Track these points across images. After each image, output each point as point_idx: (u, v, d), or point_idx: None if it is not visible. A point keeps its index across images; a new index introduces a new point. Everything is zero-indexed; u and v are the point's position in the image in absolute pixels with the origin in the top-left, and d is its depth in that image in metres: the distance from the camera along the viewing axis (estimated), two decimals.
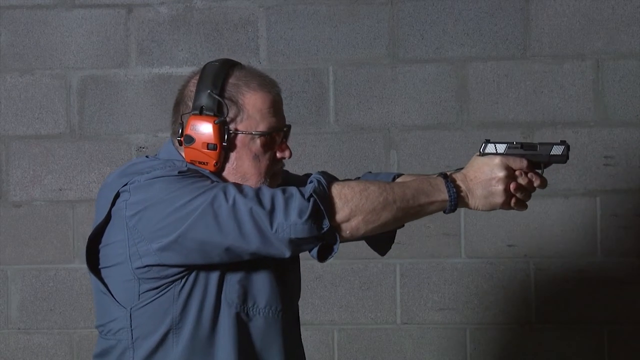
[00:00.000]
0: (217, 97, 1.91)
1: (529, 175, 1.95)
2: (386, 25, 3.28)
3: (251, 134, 1.92)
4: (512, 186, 1.93)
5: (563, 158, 1.97)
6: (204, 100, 1.91)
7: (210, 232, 1.81)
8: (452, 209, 1.91)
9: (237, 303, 1.92)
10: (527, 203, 1.97)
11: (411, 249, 3.27)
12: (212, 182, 1.87)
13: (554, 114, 3.25)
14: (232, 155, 1.94)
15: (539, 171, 1.96)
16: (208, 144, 1.91)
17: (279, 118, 1.97)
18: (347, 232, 1.85)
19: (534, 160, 1.95)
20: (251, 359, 1.94)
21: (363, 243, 2.16)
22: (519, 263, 3.26)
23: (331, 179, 1.91)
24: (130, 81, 3.33)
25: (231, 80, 1.94)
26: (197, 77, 1.95)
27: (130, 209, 1.86)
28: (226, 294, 1.91)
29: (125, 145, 3.33)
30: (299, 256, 2.01)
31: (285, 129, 1.99)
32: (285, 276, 2.00)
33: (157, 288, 1.89)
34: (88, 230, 1.97)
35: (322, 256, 1.91)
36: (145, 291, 1.89)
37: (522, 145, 1.94)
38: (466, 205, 1.94)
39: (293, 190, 1.82)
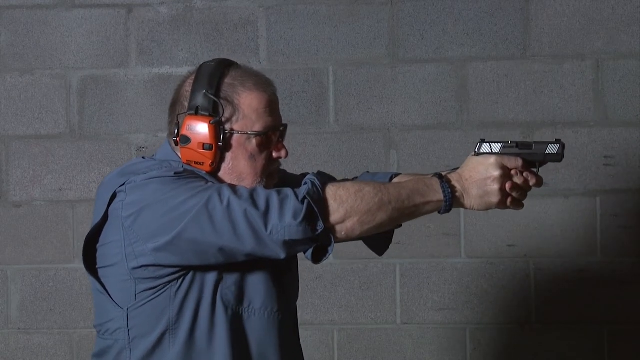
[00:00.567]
0: (212, 97, 1.91)
1: (525, 174, 1.94)
2: (386, 25, 3.28)
3: (247, 133, 1.92)
4: (507, 185, 1.92)
5: (558, 157, 1.96)
6: (200, 100, 1.91)
7: (205, 233, 1.80)
8: (447, 209, 1.91)
9: (233, 304, 1.92)
10: (524, 202, 1.97)
11: (411, 249, 3.27)
12: (208, 183, 1.86)
13: (554, 114, 3.25)
14: (228, 155, 1.94)
15: (535, 170, 1.96)
16: (204, 144, 1.91)
17: (275, 117, 1.96)
18: (343, 233, 1.84)
19: (529, 159, 1.95)
20: (247, 359, 1.94)
21: (363, 243, 2.16)
22: (519, 263, 3.26)
23: (327, 180, 1.91)
24: (130, 81, 3.33)
25: (227, 80, 1.94)
26: (193, 77, 1.95)
27: (127, 210, 1.86)
28: (222, 294, 1.90)
29: (125, 145, 3.33)
30: (297, 257, 2.01)
31: (281, 129, 1.99)
32: (282, 277, 2.00)
33: (153, 288, 1.89)
34: (88, 231, 1.97)
35: (317, 258, 1.89)
36: (142, 291, 1.89)
37: (518, 145, 1.94)
38: (462, 205, 1.93)
39: (288, 191, 1.81)
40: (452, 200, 1.90)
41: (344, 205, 1.83)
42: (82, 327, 3.33)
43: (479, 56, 3.26)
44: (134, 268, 1.87)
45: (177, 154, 1.97)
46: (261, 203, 1.79)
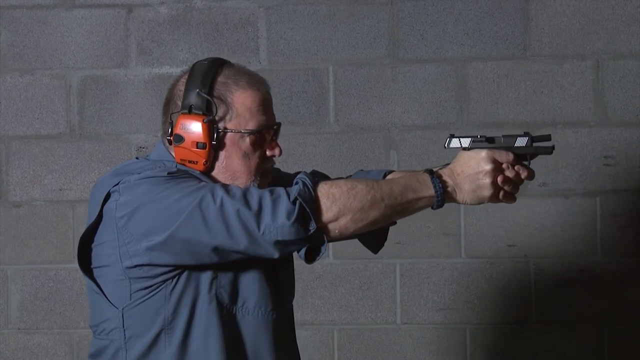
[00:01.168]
0: (206, 95, 1.91)
1: (516, 167, 1.94)
2: (386, 25, 3.28)
3: (240, 132, 1.92)
4: (499, 179, 1.92)
5: (549, 149, 1.96)
6: (193, 99, 1.92)
7: (199, 232, 1.81)
8: (440, 205, 1.91)
9: (228, 303, 1.92)
10: (516, 196, 1.97)
11: (411, 249, 3.27)
12: (201, 182, 1.86)
13: (554, 114, 3.25)
14: (222, 153, 1.94)
15: (526, 163, 1.96)
16: (197, 142, 1.91)
17: (268, 116, 1.97)
18: (336, 231, 1.84)
19: (519, 153, 1.94)
20: (242, 359, 1.94)
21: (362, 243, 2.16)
22: (519, 263, 3.26)
23: (320, 178, 1.91)
24: (130, 81, 3.33)
25: (220, 79, 1.94)
26: (186, 76, 1.96)
27: (120, 210, 1.86)
28: (217, 294, 1.90)
29: (125, 145, 3.33)
30: (292, 256, 2.01)
31: (275, 127, 1.99)
32: (277, 276, 2.00)
33: (148, 287, 1.89)
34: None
35: (310, 257, 1.88)
36: (137, 290, 1.89)
37: (487, 139, 1.94)
38: (454, 200, 1.94)
39: (281, 191, 1.81)
40: (443, 195, 1.90)
41: (337, 203, 1.83)
42: (82, 327, 3.33)
43: (479, 56, 3.26)
44: (129, 267, 1.88)
45: (171, 154, 1.97)
46: (254, 203, 1.79)
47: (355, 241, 2.10)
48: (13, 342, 3.35)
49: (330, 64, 3.30)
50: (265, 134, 1.96)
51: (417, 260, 3.29)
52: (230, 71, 1.96)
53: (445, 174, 1.93)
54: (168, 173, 1.87)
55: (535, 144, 1.96)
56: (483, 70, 3.27)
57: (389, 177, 2.09)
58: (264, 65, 3.25)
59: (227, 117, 1.93)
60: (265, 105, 1.96)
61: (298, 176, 1.85)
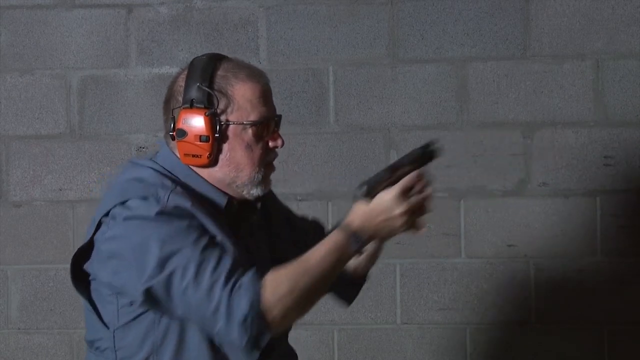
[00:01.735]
0: (206, 89, 1.91)
1: (421, 192, 1.92)
2: (386, 25, 3.28)
3: (242, 124, 1.93)
4: (410, 211, 1.90)
5: (435, 153, 1.95)
6: (194, 93, 1.92)
7: (165, 301, 1.84)
8: (360, 253, 1.92)
9: None
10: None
11: (411, 249, 3.27)
12: (189, 225, 1.85)
13: (554, 114, 3.25)
14: (225, 146, 1.94)
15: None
16: (200, 136, 1.92)
17: (269, 107, 1.97)
18: (281, 328, 1.85)
19: (415, 165, 1.92)
20: None
21: None
22: (519, 263, 3.26)
23: (263, 282, 1.83)
24: (130, 81, 3.33)
25: (219, 72, 1.94)
26: (186, 72, 1.96)
27: (105, 244, 1.90)
28: None
29: (125, 145, 3.33)
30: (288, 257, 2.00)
31: (276, 119, 1.99)
32: None
33: (134, 303, 1.90)
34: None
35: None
36: (124, 306, 1.91)
37: (392, 168, 1.90)
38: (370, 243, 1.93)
39: (239, 303, 1.78)
40: (362, 245, 1.89)
41: (283, 311, 1.81)
42: (82, 327, 3.30)
43: (479, 56, 3.26)
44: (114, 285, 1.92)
45: (175, 154, 1.97)
46: (211, 306, 1.79)
47: None
48: (13, 342, 3.35)
49: (330, 64, 3.30)
50: (267, 125, 1.97)
51: (417, 260, 3.29)
52: (229, 65, 1.97)
53: (355, 224, 1.88)
54: (156, 213, 1.85)
55: (423, 150, 1.94)
56: (483, 70, 3.27)
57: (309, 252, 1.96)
58: (264, 65, 3.24)
59: (229, 110, 1.93)
60: (266, 96, 1.97)
61: (243, 288, 1.79)
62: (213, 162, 1.95)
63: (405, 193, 1.88)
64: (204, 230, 1.87)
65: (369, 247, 2.04)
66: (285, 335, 2.11)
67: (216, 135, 1.92)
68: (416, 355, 3.29)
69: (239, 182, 1.97)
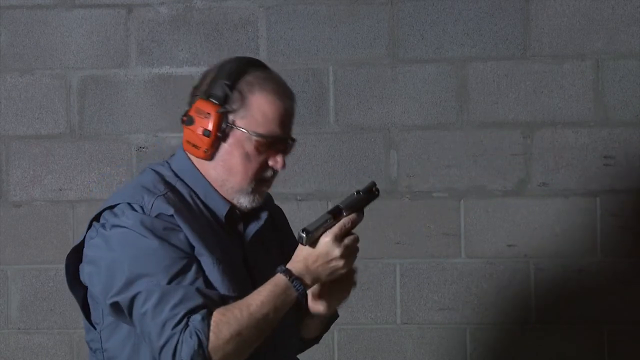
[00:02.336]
0: (227, 87, 1.92)
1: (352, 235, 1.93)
2: (386, 25, 3.28)
3: (248, 132, 1.93)
4: (347, 253, 1.91)
5: (375, 196, 1.97)
6: (215, 87, 1.93)
7: (128, 316, 1.89)
8: (304, 296, 1.91)
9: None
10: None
11: (411, 249, 3.27)
12: (166, 244, 1.86)
13: (554, 114, 3.25)
14: (225, 147, 1.95)
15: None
16: (204, 129, 1.93)
17: (282, 128, 1.96)
18: None
19: (353, 208, 1.93)
20: None
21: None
22: (519, 263, 3.26)
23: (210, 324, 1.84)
24: (130, 81, 3.33)
25: (248, 77, 1.94)
26: (221, 65, 1.98)
27: (89, 249, 1.93)
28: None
29: (125, 145, 3.33)
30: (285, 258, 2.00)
31: (289, 141, 1.98)
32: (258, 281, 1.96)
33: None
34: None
35: None
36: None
37: (333, 213, 1.92)
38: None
39: (190, 345, 1.79)
40: (304, 290, 1.89)
41: (225, 354, 1.82)
42: (82, 327, 3.30)
43: (479, 56, 3.26)
44: None
45: (189, 158, 1.99)
46: (161, 340, 1.81)
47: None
48: (13, 342, 3.35)
49: (330, 64, 3.30)
50: (273, 144, 1.95)
51: (417, 260, 3.29)
52: (262, 74, 1.97)
53: (297, 269, 1.90)
54: (138, 223, 1.87)
55: (362, 194, 1.95)
56: (483, 70, 3.27)
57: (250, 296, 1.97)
58: None
59: (240, 113, 1.93)
60: (283, 117, 1.95)
61: (191, 327, 1.81)
62: (210, 157, 1.95)
63: (341, 237, 1.89)
64: (182, 247, 1.88)
65: (323, 313, 2.03)
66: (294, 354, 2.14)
67: (219, 134, 1.93)
68: (416, 355, 3.29)
69: (228, 186, 1.97)
